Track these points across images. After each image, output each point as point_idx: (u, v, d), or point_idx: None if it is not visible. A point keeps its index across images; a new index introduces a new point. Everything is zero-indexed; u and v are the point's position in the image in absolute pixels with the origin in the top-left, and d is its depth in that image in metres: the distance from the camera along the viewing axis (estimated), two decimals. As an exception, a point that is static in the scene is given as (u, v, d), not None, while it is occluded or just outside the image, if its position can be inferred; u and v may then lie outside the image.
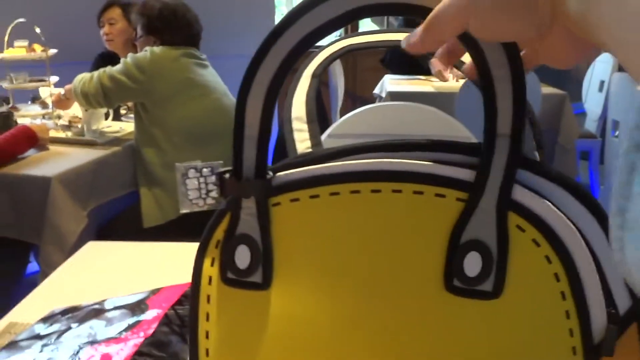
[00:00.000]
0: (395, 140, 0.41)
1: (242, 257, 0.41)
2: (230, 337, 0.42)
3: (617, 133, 2.28)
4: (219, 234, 0.41)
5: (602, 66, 3.60)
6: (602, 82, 3.50)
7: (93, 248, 1.02)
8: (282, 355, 0.41)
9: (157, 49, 1.84)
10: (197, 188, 0.50)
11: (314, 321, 0.40)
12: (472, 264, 0.39)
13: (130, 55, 1.84)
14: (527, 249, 0.39)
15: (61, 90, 2.04)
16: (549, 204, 0.38)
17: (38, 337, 0.63)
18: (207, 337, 0.43)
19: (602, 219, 0.38)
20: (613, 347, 0.38)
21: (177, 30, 1.92)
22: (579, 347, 0.39)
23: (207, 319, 0.42)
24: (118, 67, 1.81)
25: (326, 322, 0.40)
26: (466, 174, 0.39)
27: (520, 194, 0.38)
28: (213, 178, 0.51)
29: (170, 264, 0.94)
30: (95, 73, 1.83)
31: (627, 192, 0.21)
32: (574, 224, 0.38)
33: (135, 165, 1.95)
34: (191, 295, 0.43)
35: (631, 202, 0.21)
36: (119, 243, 1.03)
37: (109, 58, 2.50)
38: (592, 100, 3.68)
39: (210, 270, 0.42)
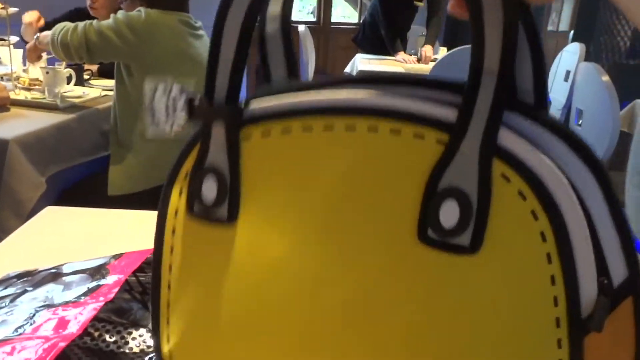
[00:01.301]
0: (377, 73, 0.38)
1: (209, 189, 0.39)
2: (192, 272, 0.41)
3: (580, 122, 2.33)
4: (189, 164, 0.40)
5: (568, 56, 3.66)
6: (567, 72, 3.56)
7: (51, 213, 0.98)
8: (243, 292, 0.39)
9: (152, 12, 1.73)
10: (165, 107, 0.46)
11: (279, 261, 0.38)
12: (449, 214, 0.36)
13: (122, 12, 1.74)
14: (511, 202, 0.35)
15: (36, 35, 1.92)
16: (540, 153, 0.34)
17: (-9, 300, 0.60)
18: (170, 270, 0.41)
19: (601, 175, 0.34)
20: (603, 322, 0.34)
21: None
22: (563, 319, 0.35)
23: (171, 252, 0.41)
24: (108, 22, 1.70)
25: (291, 263, 0.38)
26: (447, 114, 0.35)
27: (507, 140, 0.34)
28: (182, 101, 0.48)
29: (133, 231, 0.91)
30: (81, 24, 1.71)
31: None
32: (567, 179, 0.34)
33: (98, 132, 1.89)
34: (157, 227, 0.42)
35: None
36: (79, 209, 0.99)
37: (85, 16, 2.40)
38: (557, 90, 3.75)
39: (177, 201, 0.41)
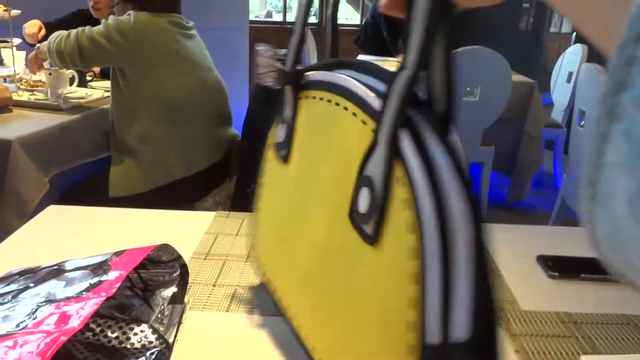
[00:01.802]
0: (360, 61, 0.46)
1: (280, 135, 0.55)
2: (268, 198, 0.61)
3: (582, 123, 2.32)
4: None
5: (571, 57, 3.66)
6: (570, 74, 3.55)
7: (54, 212, 0.98)
8: (285, 214, 0.56)
9: (142, 15, 1.73)
10: (265, 65, 0.65)
11: (291, 197, 0.54)
12: (363, 200, 0.38)
13: (112, 17, 1.75)
14: (400, 207, 0.35)
15: (37, 46, 1.94)
16: (420, 170, 0.34)
17: (-7, 296, 0.61)
18: (259, 199, 0.63)
19: (472, 210, 0.33)
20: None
21: None
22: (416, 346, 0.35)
23: (261, 187, 0.62)
24: (99, 28, 1.71)
25: (293, 200, 0.54)
26: (375, 101, 0.38)
27: (407, 144, 0.35)
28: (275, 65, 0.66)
29: (135, 229, 0.92)
30: (73, 31, 1.72)
31: (599, 161, 0.20)
32: (439, 203, 0.33)
33: (101, 133, 1.89)
34: (260, 168, 0.61)
35: (602, 172, 0.20)
36: (82, 208, 1.00)
37: (87, 17, 2.40)
38: (559, 91, 3.74)
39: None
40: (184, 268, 0.68)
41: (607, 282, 0.80)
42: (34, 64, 2.02)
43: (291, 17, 6.59)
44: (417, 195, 0.33)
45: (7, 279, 0.67)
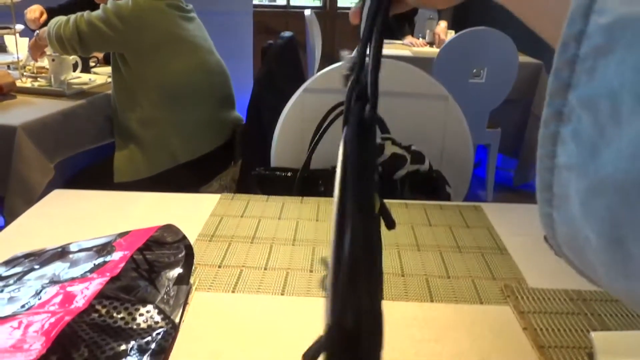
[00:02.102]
0: None
1: None
2: None
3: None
4: None
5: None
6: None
7: (59, 196, 0.98)
8: None
9: None
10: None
11: None
12: None
13: (110, 2, 1.73)
14: None
15: (36, 32, 1.93)
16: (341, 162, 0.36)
17: (-1, 278, 0.61)
18: None
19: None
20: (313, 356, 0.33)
21: None
22: None
23: None
24: (97, 12, 1.70)
25: None
26: None
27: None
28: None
29: (139, 212, 0.91)
30: (72, 17, 1.71)
31: (551, 164, 0.19)
32: None
33: (105, 118, 1.89)
34: None
35: (555, 175, 0.19)
36: (86, 191, 0.99)
37: (88, 2, 2.38)
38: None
39: None
40: (189, 249, 0.68)
41: (616, 259, 0.79)
42: (35, 51, 2.01)
43: (307, 1, 6.52)
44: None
45: (12, 261, 0.67)
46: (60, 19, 1.74)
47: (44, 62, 2.06)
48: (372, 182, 0.36)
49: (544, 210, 0.21)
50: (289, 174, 1.17)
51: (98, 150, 1.87)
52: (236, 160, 1.99)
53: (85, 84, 2.00)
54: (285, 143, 1.30)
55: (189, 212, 0.91)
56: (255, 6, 4.65)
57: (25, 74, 2.06)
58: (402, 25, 3.73)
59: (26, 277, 0.58)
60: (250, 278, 0.71)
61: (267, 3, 6.34)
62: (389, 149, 1.12)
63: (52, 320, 0.46)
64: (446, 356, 0.58)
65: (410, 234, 0.86)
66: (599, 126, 0.17)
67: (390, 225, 0.55)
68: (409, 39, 3.50)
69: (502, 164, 3.50)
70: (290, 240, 0.82)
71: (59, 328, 0.44)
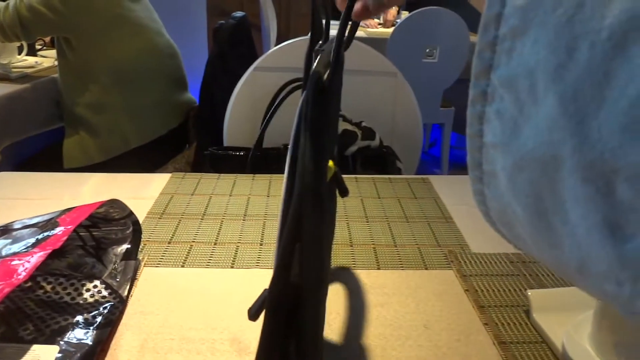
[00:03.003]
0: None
1: None
2: None
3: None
4: None
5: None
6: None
7: (6, 178, 0.96)
8: None
9: None
10: None
11: None
12: None
13: None
14: None
15: None
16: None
17: (-62, 258, 0.59)
18: None
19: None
20: (257, 313, 0.37)
21: None
22: None
23: None
24: None
25: None
26: None
27: None
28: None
29: (88, 192, 0.90)
30: (12, 2, 1.64)
31: (479, 143, 0.20)
32: None
33: (53, 102, 1.84)
34: None
35: (483, 153, 0.20)
36: (34, 173, 0.97)
37: None
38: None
39: None
40: (136, 225, 0.67)
41: (555, 224, 0.83)
42: None
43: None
44: None
45: (-47, 242, 0.65)
46: None
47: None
48: (325, 145, 0.37)
49: (476, 187, 0.22)
50: (242, 153, 1.17)
51: (47, 135, 1.82)
52: (191, 143, 1.97)
53: (31, 67, 1.94)
54: (238, 122, 1.29)
55: (140, 191, 0.91)
56: (209, -12, 4.58)
57: (-34, 57, 1.98)
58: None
59: (-33, 256, 0.57)
60: (200, 253, 0.72)
61: (221, -15, 6.24)
62: (340, 126, 1.14)
63: (-7, 293, 0.45)
64: (391, 319, 0.60)
65: (359, 207, 0.87)
66: (519, 104, 0.18)
67: (343, 192, 0.56)
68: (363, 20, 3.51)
69: (457, 142, 3.57)
70: (241, 216, 0.83)
71: (0, 297, 0.44)
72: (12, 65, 1.89)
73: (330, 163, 0.45)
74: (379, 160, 1.16)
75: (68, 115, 1.79)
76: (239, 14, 1.85)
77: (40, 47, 2.24)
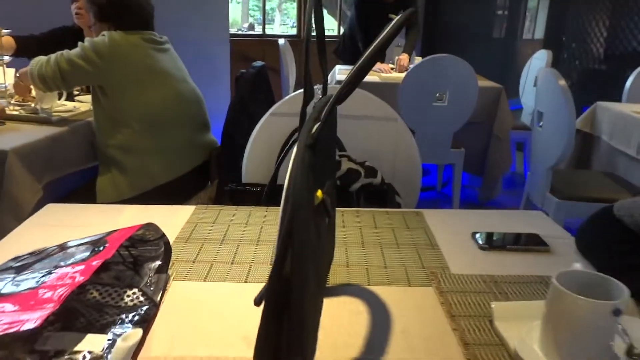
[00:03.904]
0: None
1: None
2: None
3: (541, 123, 2.48)
4: None
5: (537, 63, 3.84)
6: (536, 78, 3.73)
7: (51, 209, 1.11)
8: None
9: (115, 34, 1.87)
10: None
11: None
12: None
13: (87, 39, 1.88)
14: None
15: (16, 74, 2.07)
16: None
17: (9, 269, 0.74)
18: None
19: None
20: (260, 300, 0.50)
21: (129, 14, 1.94)
22: None
23: None
24: (76, 50, 1.85)
25: None
26: None
27: None
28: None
29: (124, 222, 1.04)
30: (53, 56, 1.86)
31: None
32: None
33: (89, 143, 2.02)
34: None
35: None
36: (76, 205, 1.13)
37: (70, 33, 2.54)
38: (527, 95, 3.92)
39: None
40: (167, 245, 0.81)
41: (528, 251, 0.95)
42: (20, 90, 2.15)
43: (271, 29, 6.78)
44: None
45: (18, 258, 0.80)
46: (40, 59, 1.89)
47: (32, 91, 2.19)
48: (312, 179, 0.51)
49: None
50: (258, 188, 1.32)
51: (84, 173, 2.00)
52: (212, 180, 2.13)
53: (70, 111, 2.13)
54: (255, 161, 1.44)
55: (168, 220, 1.05)
56: (232, 35, 4.84)
57: (12, 102, 2.18)
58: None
59: (34, 266, 0.71)
60: (220, 270, 0.85)
61: (244, 32, 6.55)
62: (345, 165, 1.28)
63: (60, 290, 0.59)
64: (374, 325, 0.72)
65: (358, 235, 1.00)
66: None
67: (327, 214, 0.70)
68: (378, 65, 3.69)
69: (469, 182, 3.68)
70: (254, 241, 0.96)
71: (65, 294, 0.58)
72: (53, 110, 2.08)
73: (319, 192, 0.58)
74: (381, 196, 1.29)
75: (101, 155, 1.96)
76: (258, 63, 2.03)
77: (77, 92, 2.45)
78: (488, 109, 3.23)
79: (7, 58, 2.26)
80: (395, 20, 0.57)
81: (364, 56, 0.57)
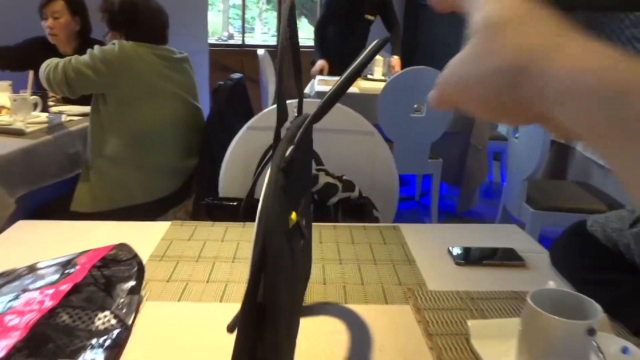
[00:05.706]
0: None
1: None
2: None
3: (517, 134, 2.51)
4: None
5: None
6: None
7: (23, 226, 1.09)
8: None
9: (126, 44, 1.84)
10: None
11: None
12: None
13: (97, 47, 1.85)
14: None
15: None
16: None
17: (-24, 292, 0.72)
18: None
19: None
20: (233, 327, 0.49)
21: (141, 23, 1.91)
22: None
23: None
24: (84, 58, 1.82)
25: None
26: None
27: None
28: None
29: (97, 239, 1.03)
30: (61, 62, 1.84)
31: None
32: None
33: (64, 155, 1.98)
34: None
35: None
36: (48, 222, 1.10)
37: (45, 44, 2.50)
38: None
39: None
40: (140, 265, 0.80)
41: (503, 266, 0.96)
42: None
43: (251, 38, 6.77)
44: None
45: (-14, 280, 0.77)
46: (50, 62, 1.87)
47: (5, 102, 2.15)
48: (283, 209, 0.51)
49: None
50: (235, 203, 1.31)
51: (57, 186, 1.96)
52: (190, 196, 2.11)
53: (44, 122, 2.10)
54: (232, 175, 1.43)
55: (143, 237, 1.03)
56: (212, 45, 4.82)
57: (-15, 114, 2.14)
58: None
59: (2, 289, 0.69)
60: (195, 290, 0.84)
61: (223, 42, 6.53)
62: (323, 179, 1.28)
63: (27, 316, 0.57)
64: (352, 343, 0.72)
65: (335, 251, 1.00)
66: None
67: (302, 236, 0.69)
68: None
69: (447, 192, 3.70)
70: (230, 258, 0.95)
71: (33, 321, 0.56)
72: (27, 122, 2.05)
73: (293, 215, 0.58)
74: (358, 209, 1.29)
75: (87, 163, 1.94)
76: (236, 75, 2.02)
77: (52, 103, 2.41)
78: (465, 120, 3.26)
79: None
80: (371, 46, 0.57)
81: (339, 80, 0.57)
